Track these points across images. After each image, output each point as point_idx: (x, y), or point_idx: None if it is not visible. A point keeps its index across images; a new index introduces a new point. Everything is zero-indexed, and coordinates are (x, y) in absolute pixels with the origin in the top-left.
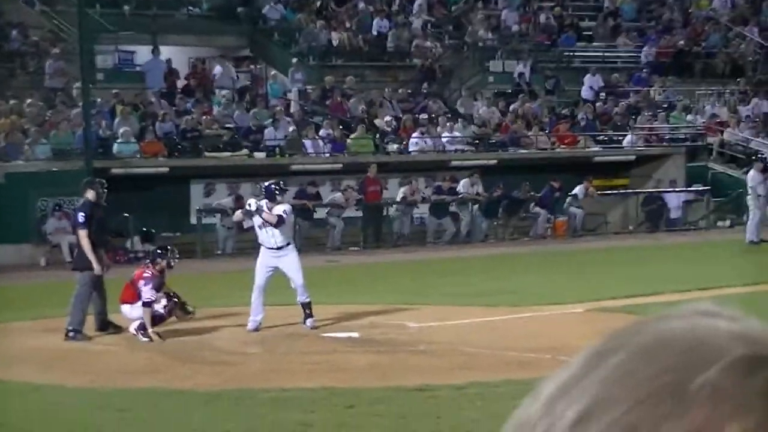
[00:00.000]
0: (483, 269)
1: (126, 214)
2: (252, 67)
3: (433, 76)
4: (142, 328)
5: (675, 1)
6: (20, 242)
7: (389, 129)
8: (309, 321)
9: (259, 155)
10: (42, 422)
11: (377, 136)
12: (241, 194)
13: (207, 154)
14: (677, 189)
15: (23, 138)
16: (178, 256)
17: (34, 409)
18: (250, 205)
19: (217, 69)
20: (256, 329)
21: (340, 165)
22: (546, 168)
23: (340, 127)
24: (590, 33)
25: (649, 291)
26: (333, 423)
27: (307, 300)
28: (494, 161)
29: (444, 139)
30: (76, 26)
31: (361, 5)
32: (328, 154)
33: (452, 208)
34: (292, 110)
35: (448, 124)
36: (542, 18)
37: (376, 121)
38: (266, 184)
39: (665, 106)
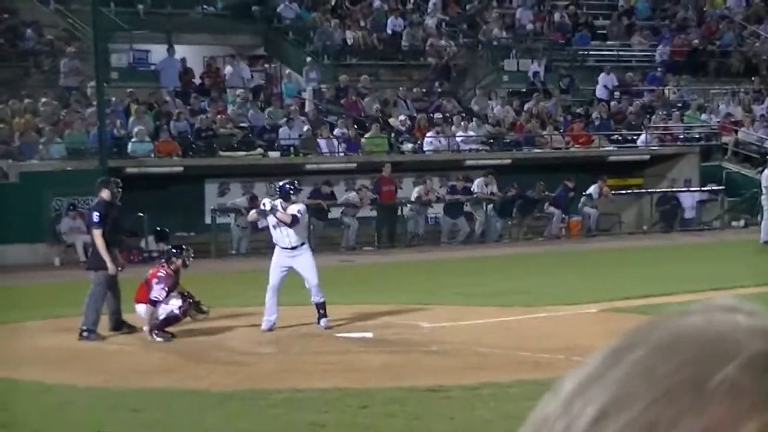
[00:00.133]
0: (497, 269)
1: (140, 214)
2: (266, 66)
3: (447, 75)
4: (156, 327)
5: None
6: (35, 242)
7: (403, 128)
8: (323, 321)
9: (274, 155)
10: (55, 422)
11: (392, 135)
12: (255, 194)
13: (221, 153)
14: (691, 189)
15: (38, 137)
16: (193, 255)
17: (47, 408)
18: (264, 204)
19: (228, 69)
20: (270, 329)
21: (355, 164)
22: (560, 167)
23: (355, 126)
24: (604, 32)
25: (663, 291)
26: (346, 423)
27: (322, 300)
28: (508, 161)
29: (458, 139)
30: (91, 25)
31: (376, 4)
32: (342, 154)
33: (466, 208)
34: (306, 109)
35: (462, 123)
36: (556, 17)
37: (391, 121)
38: (281, 183)
39: (679, 105)
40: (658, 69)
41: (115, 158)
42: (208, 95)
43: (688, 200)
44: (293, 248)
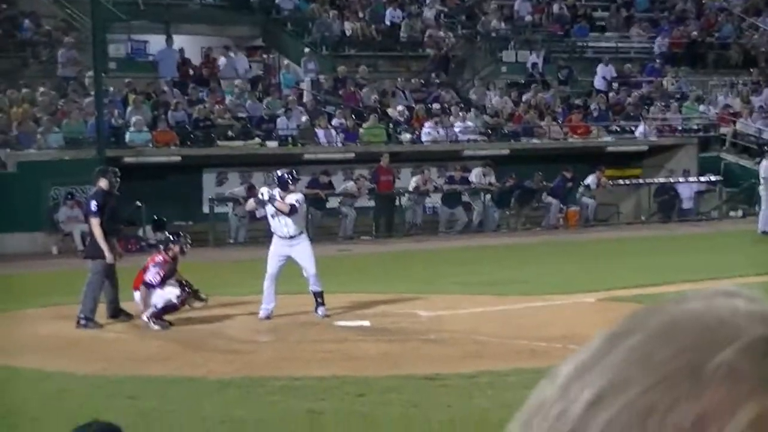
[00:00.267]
0: (495, 259)
1: (138, 203)
2: (265, 56)
3: (445, 66)
4: (153, 316)
5: None
6: (33, 231)
7: (402, 119)
8: (320, 310)
9: (272, 144)
10: (52, 409)
11: (390, 125)
12: (253, 183)
13: (219, 143)
14: (690, 179)
15: (35, 127)
16: (190, 242)
17: (45, 396)
18: (262, 194)
19: (222, 60)
20: (268, 317)
21: (353, 154)
22: (558, 158)
23: (353, 116)
24: (603, 23)
25: (660, 281)
26: (344, 411)
27: (319, 289)
28: (506, 151)
29: (456, 129)
30: (89, 15)
31: None
32: (340, 144)
33: (464, 198)
34: (304, 100)
35: (460, 113)
36: (555, 8)
37: (389, 111)
38: (279, 173)
39: (678, 96)
40: (657, 60)
41: (113, 148)
42: (206, 85)
43: (686, 191)
44: (291, 237)
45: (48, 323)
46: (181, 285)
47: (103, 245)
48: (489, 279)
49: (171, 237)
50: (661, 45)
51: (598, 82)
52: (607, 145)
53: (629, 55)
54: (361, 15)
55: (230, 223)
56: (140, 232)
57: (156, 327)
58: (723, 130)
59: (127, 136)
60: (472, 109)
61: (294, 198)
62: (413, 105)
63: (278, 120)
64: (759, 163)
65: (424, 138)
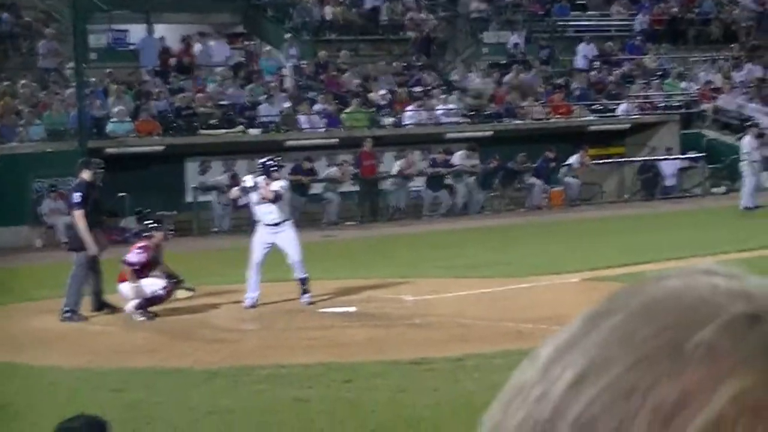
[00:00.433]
0: (479, 241)
1: (121, 194)
2: (246, 43)
3: (427, 48)
4: (139, 307)
5: None
6: (16, 224)
7: (384, 102)
8: (306, 297)
9: (254, 132)
10: (39, 403)
11: (372, 110)
12: (236, 171)
13: (202, 131)
14: (672, 157)
15: (17, 119)
16: (172, 228)
17: (31, 390)
18: (246, 181)
19: (202, 47)
20: (254, 306)
21: (336, 140)
22: (541, 138)
23: (335, 101)
24: (584, 2)
25: (644, 259)
26: (330, 398)
27: (304, 276)
28: (489, 133)
29: (439, 112)
30: (69, 6)
31: None
32: (323, 129)
33: (448, 181)
34: (286, 86)
35: (442, 96)
36: None
37: (371, 95)
38: (262, 160)
39: (659, 74)
40: (638, 38)
41: (95, 139)
42: (188, 74)
43: (669, 168)
44: (276, 224)
45: (33, 317)
46: (167, 276)
47: (87, 237)
48: (474, 261)
49: (153, 224)
50: (642, 22)
51: (580, 62)
52: (589, 125)
53: (610, 33)
54: None
55: (214, 212)
56: (124, 223)
57: (141, 318)
58: (704, 106)
59: (109, 127)
60: (455, 92)
61: (278, 185)
62: (395, 89)
63: (260, 107)
64: (741, 139)
65: (406, 121)
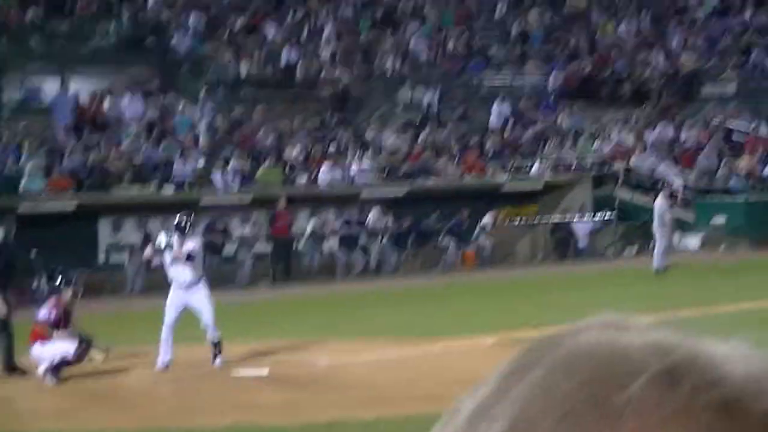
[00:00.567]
0: (393, 301)
1: (33, 253)
2: (161, 97)
3: (342, 105)
4: (50, 370)
5: (581, 27)
6: None
7: (299, 161)
8: (219, 359)
9: (168, 190)
10: None
11: (286, 167)
12: (150, 230)
13: (115, 189)
14: (584, 217)
15: None
16: (83, 286)
17: None
18: (159, 241)
19: (116, 103)
20: (166, 368)
21: (249, 197)
22: (456, 197)
23: (250, 158)
24: (498, 60)
25: (560, 319)
26: None
27: (217, 338)
28: (403, 192)
29: (353, 172)
30: None
31: (270, 35)
32: (237, 188)
33: (362, 240)
34: (201, 143)
35: (358, 152)
36: (450, 45)
37: (285, 153)
38: (176, 219)
39: (573, 132)
40: (552, 96)
41: (7, 196)
42: (102, 130)
43: (582, 229)
44: (190, 284)
45: None
46: (79, 337)
47: None
48: (387, 322)
49: (62, 282)
50: (556, 80)
51: (494, 120)
52: (503, 184)
53: (525, 92)
54: (256, 55)
55: (127, 272)
56: (35, 283)
57: (52, 382)
58: (617, 166)
59: (22, 184)
60: (369, 150)
61: (191, 244)
62: (310, 147)
63: (174, 165)
64: (654, 200)
65: (321, 180)
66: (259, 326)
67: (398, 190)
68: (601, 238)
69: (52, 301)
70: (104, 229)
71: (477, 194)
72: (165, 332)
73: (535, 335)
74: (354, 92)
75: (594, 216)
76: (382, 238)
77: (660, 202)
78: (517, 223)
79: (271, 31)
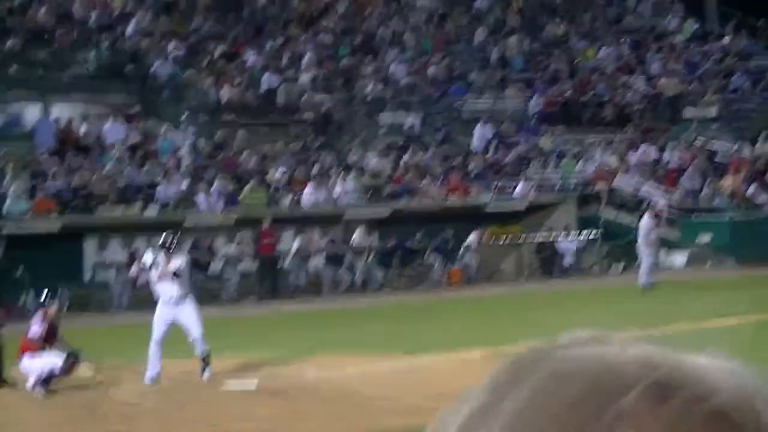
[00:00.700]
0: (379, 318)
1: (19, 273)
2: (142, 123)
3: (324, 129)
4: (39, 383)
5: (561, 52)
6: None
7: (282, 183)
8: (206, 373)
9: (152, 211)
10: None
11: (270, 189)
12: (135, 249)
13: (99, 210)
14: (569, 237)
15: None
16: (68, 300)
17: None
18: (146, 259)
19: (93, 127)
20: (154, 382)
21: (234, 218)
22: (440, 218)
23: (233, 180)
24: (479, 85)
25: (546, 335)
26: None
27: (206, 351)
28: (387, 213)
29: (336, 194)
30: None
31: (251, 60)
32: (221, 209)
33: (347, 259)
34: (183, 166)
35: (341, 174)
36: (431, 70)
37: (268, 176)
38: (162, 237)
39: (555, 155)
40: (533, 120)
41: None
42: (85, 153)
43: (567, 247)
44: (177, 301)
45: None
46: (68, 352)
47: None
48: (374, 337)
49: (46, 297)
50: (537, 105)
51: (476, 142)
52: (486, 205)
53: (506, 115)
54: (237, 81)
55: (113, 290)
56: (22, 299)
57: (41, 395)
58: (600, 186)
59: (5, 207)
60: (352, 171)
61: (178, 262)
62: (293, 169)
63: (158, 187)
64: (640, 219)
65: (304, 202)
66: (247, 340)
67: (382, 210)
68: (587, 257)
69: (39, 315)
70: (89, 247)
71: (461, 214)
72: (153, 347)
73: (519, 350)
74: (336, 116)
75: (579, 235)
76: (368, 256)
77: (645, 221)
78: (502, 242)
79: (251, 57)
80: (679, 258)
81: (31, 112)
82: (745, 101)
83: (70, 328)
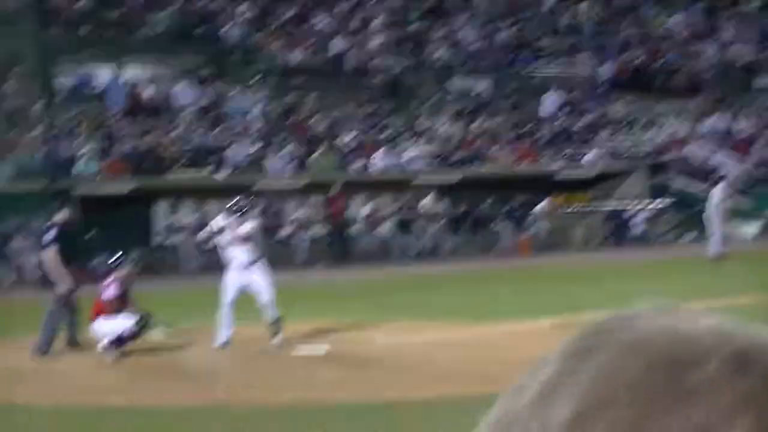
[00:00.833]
0: (448, 285)
1: (92, 233)
2: (214, 85)
3: (393, 94)
4: (110, 346)
5: (633, 18)
6: None
7: (351, 147)
8: (277, 337)
9: (223, 174)
10: None
11: (340, 154)
12: (205, 213)
13: (170, 173)
14: (639, 205)
15: None
16: (140, 265)
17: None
18: (217, 223)
19: (165, 89)
20: (225, 345)
21: (303, 183)
22: (509, 184)
23: (304, 144)
24: (549, 51)
25: (611, 306)
26: None
27: (276, 317)
28: (457, 178)
29: (406, 158)
30: (36, 47)
31: (320, 25)
32: (290, 173)
33: (417, 224)
34: (254, 130)
35: (411, 140)
36: (502, 36)
37: (338, 140)
38: (233, 201)
39: (626, 122)
40: (603, 87)
41: (63, 180)
42: (156, 116)
43: (637, 216)
44: (248, 265)
45: (4, 354)
46: (140, 315)
47: (60, 275)
48: (444, 304)
49: (120, 258)
50: (607, 72)
51: (546, 109)
52: (556, 172)
53: (576, 82)
54: (307, 45)
55: (182, 253)
56: (93, 263)
57: (112, 357)
58: (671, 155)
59: (77, 168)
60: (422, 137)
61: (249, 226)
62: (363, 134)
63: (228, 150)
64: (713, 188)
65: (374, 167)
66: (316, 306)
67: (452, 176)
68: (657, 226)
69: (112, 278)
70: (160, 211)
71: (531, 181)
72: (224, 311)
73: (590, 320)
74: (405, 81)
75: (649, 204)
76: (438, 222)
77: (717, 191)
78: (571, 209)
79: (320, 21)
80: (751, 228)
81: (102, 74)
82: None
83: (140, 292)
